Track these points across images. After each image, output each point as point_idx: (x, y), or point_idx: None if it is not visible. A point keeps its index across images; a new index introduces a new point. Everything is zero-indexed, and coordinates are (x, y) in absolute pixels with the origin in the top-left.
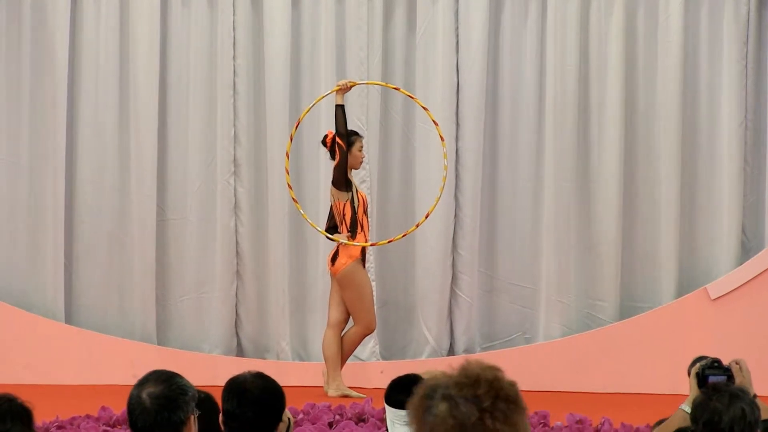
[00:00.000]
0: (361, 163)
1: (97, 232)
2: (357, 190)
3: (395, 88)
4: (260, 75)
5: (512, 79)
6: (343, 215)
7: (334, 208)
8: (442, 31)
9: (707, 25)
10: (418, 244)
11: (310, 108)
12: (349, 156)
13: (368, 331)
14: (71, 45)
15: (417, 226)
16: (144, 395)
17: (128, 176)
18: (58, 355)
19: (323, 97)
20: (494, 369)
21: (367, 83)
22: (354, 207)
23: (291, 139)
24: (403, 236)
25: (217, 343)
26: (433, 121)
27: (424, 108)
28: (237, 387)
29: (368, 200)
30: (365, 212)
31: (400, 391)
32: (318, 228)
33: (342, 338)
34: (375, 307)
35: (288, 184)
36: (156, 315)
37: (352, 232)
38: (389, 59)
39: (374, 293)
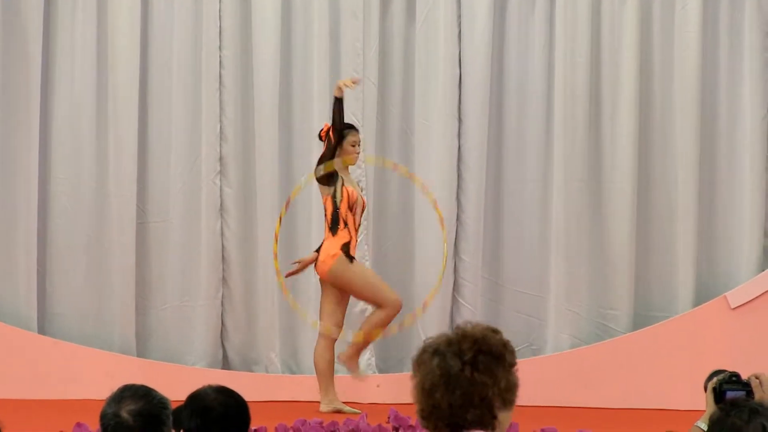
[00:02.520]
0: (356, 159)
1: (72, 235)
2: (343, 186)
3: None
4: (248, 67)
5: (518, 72)
6: (325, 210)
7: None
8: (444, 20)
9: (727, 13)
10: (417, 249)
11: (302, 186)
12: (339, 150)
13: (395, 311)
14: (45, 35)
15: (424, 306)
16: (124, 413)
17: (106, 176)
18: (30, 368)
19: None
20: (485, 328)
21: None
22: (335, 202)
23: (280, 221)
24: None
25: (202, 354)
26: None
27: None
28: (199, 404)
29: (358, 198)
30: (351, 209)
31: None
32: (305, 315)
33: (365, 320)
34: (384, 283)
35: (276, 269)
36: (136, 325)
37: (333, 229)
38: (387, 51)
39: (369, 307)
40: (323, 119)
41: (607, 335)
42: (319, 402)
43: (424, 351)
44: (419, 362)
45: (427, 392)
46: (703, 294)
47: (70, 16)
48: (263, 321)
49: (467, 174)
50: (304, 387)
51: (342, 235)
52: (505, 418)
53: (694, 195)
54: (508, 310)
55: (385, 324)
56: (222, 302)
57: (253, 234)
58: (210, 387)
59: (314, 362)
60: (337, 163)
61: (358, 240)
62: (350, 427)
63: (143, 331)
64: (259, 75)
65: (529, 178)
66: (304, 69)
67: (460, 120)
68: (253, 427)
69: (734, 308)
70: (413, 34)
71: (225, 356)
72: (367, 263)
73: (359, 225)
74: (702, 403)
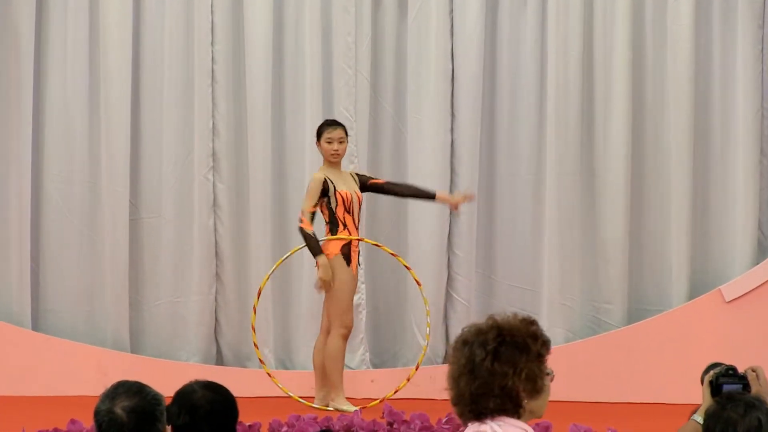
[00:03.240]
0: (333, 154)
1: (65, 231)
2: (336, 190)
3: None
4: (240, 62)
5: (511, 66)
6: (323, 214)
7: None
8: (436, 14)
9: (720, 6)
10: (410, 244)
11: (292, 253)
12: (320, 149)
13: (345, 331)
14: (36, 30)
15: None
16: (118, 409)
17: (99, 172)
18: (23, 364)
19: (298, 249)
20: (518, 319)
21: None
22: (331, 207)
23: (267, 278)
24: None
25: (195, 350)
26: (416, 281)
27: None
28: (187, 401)
29: (353, 197)
30: (348, 210)
31: None
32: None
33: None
34: (353, 310)
35: (252, 326)
36: (129, 321)
37: (332, 230)
38: (379, 45)
39: (363, 297)
40: (315, 114)
41: (601, 329)
42: (313, 397)
43: (456, 341)
44: (453, 351)
45: (454, 380)
46: (697, 288)
47: (62, 12)
48: (257, 317)
49: (460, 168)
50: (297, 382)
51: (342, 235)
52: (535, 407)
53: (687, 189)
54: (502, 305)
55: (340, 355)
56: (215, 298)
57: (246, 230)
58: (197, 383)
59: (313, 356)
60: (322, 169)
61: (356, 246)
62: (344, 423)
63: (137, 327)
64: (252, 70)
65: (522, 172)
66: (296, 64)
67: (452, 114)
68: (246, 422)
69: (729, 302)
70: (405, 28)
71: (219, 352)
72: (361, 259)
73: (359, 221)
74: (697, 396)
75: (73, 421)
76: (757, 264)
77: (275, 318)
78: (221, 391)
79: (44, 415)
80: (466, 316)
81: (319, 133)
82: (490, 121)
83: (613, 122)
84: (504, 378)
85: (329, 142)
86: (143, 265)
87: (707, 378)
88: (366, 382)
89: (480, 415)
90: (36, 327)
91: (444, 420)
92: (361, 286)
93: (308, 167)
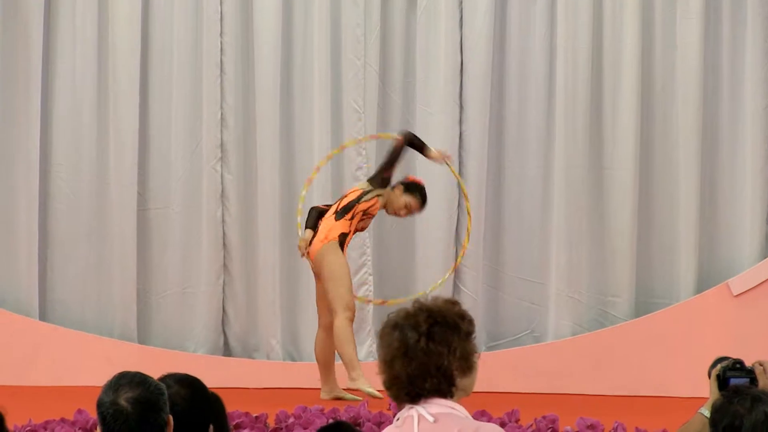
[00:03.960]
0: (397, 215)
1: (73, 222)
2: (377, 197)
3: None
4: (249, 53)
5: (520, 58)
6: (344, 196)
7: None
8: (445, 6)
9: (729, 3)
10: (418, 236)
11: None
12: (397, 192)
13: (349, 313)
14: (45, 22)
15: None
16: (122, 401)
17: (107, 163)
18: (31, 355)
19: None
20: (443, 301)
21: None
22: (359, 198)
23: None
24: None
25: (203, 341)
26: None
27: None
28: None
29: (374, 211)
30: (365, 213)
31: None
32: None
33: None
34: (349, 286)
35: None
36: (137, 311)
37: (338, 215)
38: (388, 37)
39: (371, 289)
40: (323, 106)
41: (608, 322)
42: (320, 389)
43: (385, 325)
44: (381, 336)
45: (388, 364)
46: (704, 281)
47: (71, 3)
48: (264, 308)
49: (468, 161)
50: (304, 374)
51: (343, 225)
52: (467, 384)
53: (695, 182)
54: (510, 297)
55: (344, 336)
56: (223, 289)
57: (254, 220)
58: (172, 378)
59: (314, 351)
60: (385, 194)
61: (348, 242)
62: (351, 415)
63: (144, 317)
64: (260, 61)
65: (531, 164)
66: (305, 56)
67: (461, 107)
68: (253, 413)
69: (736, 296)
70: (414, 20)
71: (226, 343)
72: (368, 249)
73: (358, 230)
74: (703, 390)
75: (79, 411)
76: (765, 258)
77: (283, 310)
78: (198, 387)
79: (51, 405)
80: (474, 308)
81: (413, 191)
82: (499, 113)
83: (621, 116)
84: (440, 357)
85: (407, 208)
86: (151, 256)
87: (714, 372)
88: (372, 374)
89: (416, 396)
90: (44, 317)
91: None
92: (369, 278)
93: (316, 158)
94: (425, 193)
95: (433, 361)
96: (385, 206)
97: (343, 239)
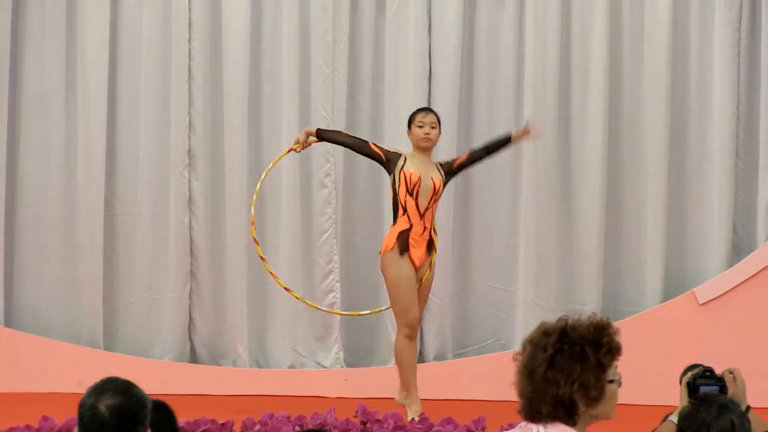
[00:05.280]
0: (423, 139)
1: (40, 228)
2: (402, 169)
3: None
4: (218, 59)
5: (489, 65)
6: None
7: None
8: (414, 12)
9: (697, 10)
10: (377, 227)
11: (276, 162)
12: (409, 133)
13: (408, 330)
14: (13, 26)
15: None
16: (102, 407)
17: (75, 168)
18: None
19: (283, 155)
20: (587, 324)
21: None
22: (395, 189)
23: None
24: None
25: (169, 348)
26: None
27: None
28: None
29: (421, 180)
30: (411, 193)
31: None
32: (285, 286)
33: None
34: (410, 302)
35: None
36: (103, 318)
37: (394, 217)
38: (357, 43)
39: (338, 296)
40: (292, 112)
41: None
42: (284, 396)
43: (526, 337)
44: (522, 346)
45: (517, 377)
46: (671, 289)
47: (39, 7)
48: (231, 315)
49: None
50: (271, 381)
51: (401, 223)
52: (598, 412)
53: (663, 190)
54: (477, 305)
55: (404, 350)
56: (190, 295)
57: (222, 227)
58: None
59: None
60: (403, 153)
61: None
62: (318, 422)
63: (111, 324)
64: (229, 67)
65: (499, 171)
66: (274, 61)
67: None
68: (220, 420)
69: (702, 304)
70: (383, 26)
71: (192, 350)
72: (336, 257)
73: (426, 209)
74: (670, 398)
75: (45, 418)
76: (731, 266)
77: (250, 317)
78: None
79: (17, 412)
80: (440, 316)
81: (410, 120)
82: (468, 120)
83: (589, 123)
84: (556, 387)
85: (420, 126)
86: (118, 261)
87: (685, 379)
88: (339, 381)
89: (534, 417)
90: (9, 324)
91: (417, 419)
92: (336, 285)
93: (284, 165)
94: (414, 111)
95: (550, 389)
96: (418, 151)
97: (405, 236)
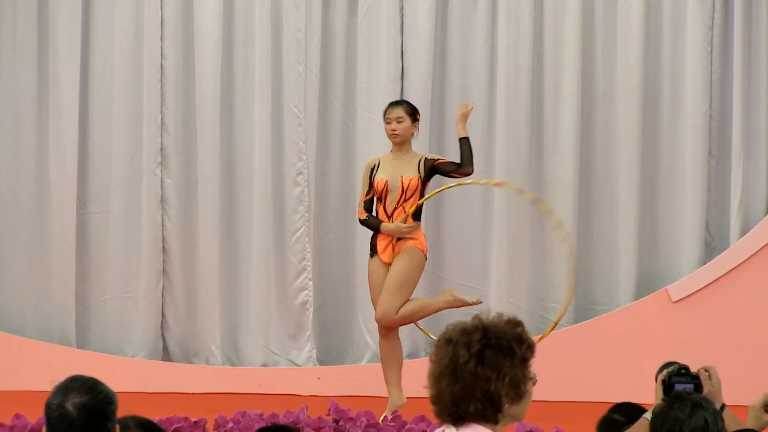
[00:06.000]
0: (392, 135)
1: (11, 226)
2: (373, 178)
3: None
4: (190, 58)
5: (461, 63)
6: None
7: None
8: (386, 11)
9: (670, 7)
10: (358, 241)
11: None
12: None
13: (381, 329)
14: None
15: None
16: (69, 405)
17: (46, 167)
18: None
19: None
20: (504, 321)
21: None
22: (372, 196)
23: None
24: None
25: (142, 346)
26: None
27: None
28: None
29: (388, 185)
30: (379, 198)
31: None
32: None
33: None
34: (373, 301)
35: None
36: (76, 316)
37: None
38: (329, 42)
39: (311, 294)
40: (264, 110)
41: (548, 328)
42: (258, 394)
43: (440, 337)
44: (436, 348)
45: (435, 379)
46: (644, 287)
47: (11, 5)
48: (204, 313)
49: None
50: (244, 379)
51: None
52: (516, 411)
53: (635, 189)
54: None
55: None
56: (162, 294)
57: (194, 225)
58: (133, 421)
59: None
60: (386, 154)
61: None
62: (291, 420)
63: (83, 322)
64: (201, 66)
65: None
66: (246, 59)
67: None
68: (192, 418)
69: (675, 301)
70: (355, 24)
71: (165, 348)
72: (309, 255)
73: (395, 209)
74: (644, 395)
75: (17, 416)
76: (704, 264)
77: (222, 315)
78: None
79: None
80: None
81: (384, 115)
82: (440, 119)
83: (562, 122)
84: (487, 382)
85: (388, 122)
86: (90, 260)
87: (660, 377)
88: (312, 379)
89: (458, 419)
90: None
91: (390, 418)
92: (309, 283)
93: (257, 163)
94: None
95: (479, 384)
96: (395, 148)
97: (373, 242)
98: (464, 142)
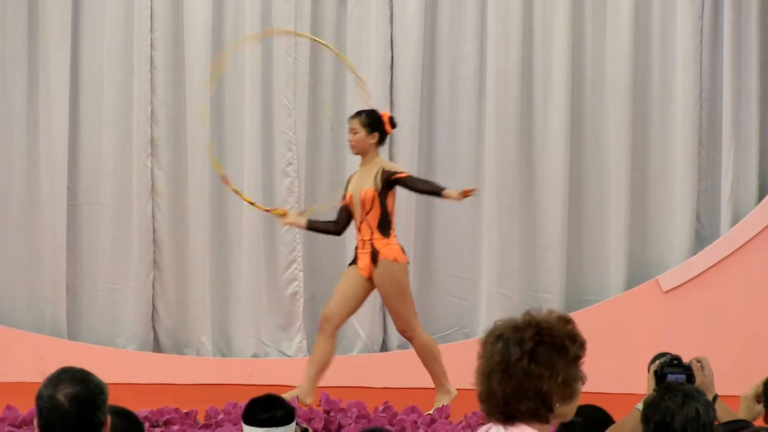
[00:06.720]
0: (350, 147)
1: (3, 218)
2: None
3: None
4: (180, 49)
5: (451, 55)
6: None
7: None
8: (376, 2)
9: None
10: (347, 232)
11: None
12: None
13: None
14: None
15: None
16: (60, 396)
17: (37, 158)
18: None
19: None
20: (556, 317)
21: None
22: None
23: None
24: None
25: (133, 337)
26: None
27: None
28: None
29: (353, 198)
30: (351, 212)
31: (260, 410)
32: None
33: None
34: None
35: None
36: (67, 307)
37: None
38: (318, 33)
39: (301, 285)
40: (254, 102)
41: None
42: (249, 385)
43: (489, 334)
44: (484, 345)
45: (485, 377)
46: (635, 277)
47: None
48: (194, 304)
49: (399, 157)
50: (235, 370)
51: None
52: (566, 410)
53: (626, 179)
54: (440, 294)
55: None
56: (153, 285)
57: (185, 216)
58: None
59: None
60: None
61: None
62: None
63: (74, 313)
64: (191, 57)
65: (461, 162)
66: (236, 52)
67: (391, 103)
68: (183, 410)
69: (666, 292)
70: (345, 16)
71: (156, 339)
72: (299, 246)
73: (361, 222)
74: (634, 386)
75: (9, 407)
76: (695, 254)
77: (213, 306)
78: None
79: None
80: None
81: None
82: (429, 110)
83: (552, 113)
84: (539, 381)
85: (352, 132)
86: (81, 251)
87: (653, 368)
88: (303, 370)
89: (510, 417)
90: None
91: (381, 408)
92: (299, 275)
93: (246, 154)
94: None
95: (532, 383)
96: (362, 159)
97: (355, 252)
98: (430, 184)
